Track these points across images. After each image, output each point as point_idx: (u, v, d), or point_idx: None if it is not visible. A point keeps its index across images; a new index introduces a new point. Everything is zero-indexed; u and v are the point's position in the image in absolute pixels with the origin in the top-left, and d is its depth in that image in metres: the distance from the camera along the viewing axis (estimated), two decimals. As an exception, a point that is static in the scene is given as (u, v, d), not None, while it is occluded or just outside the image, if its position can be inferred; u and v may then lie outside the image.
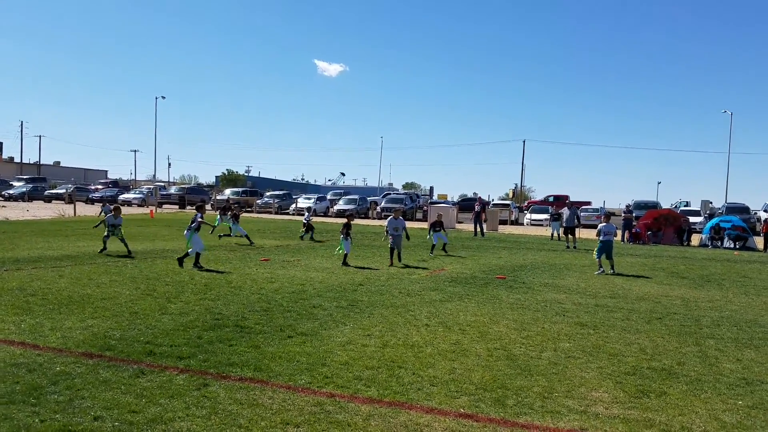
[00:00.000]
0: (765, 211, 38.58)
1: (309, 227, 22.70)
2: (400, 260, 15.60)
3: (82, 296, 9.52)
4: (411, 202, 45.06)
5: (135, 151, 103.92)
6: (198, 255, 13.42)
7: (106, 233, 16.00)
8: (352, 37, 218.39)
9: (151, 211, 23.36)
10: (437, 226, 18.82)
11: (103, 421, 4.56)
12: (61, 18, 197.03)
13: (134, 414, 4.74)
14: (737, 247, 27.03)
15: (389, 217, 16.31)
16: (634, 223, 29.13)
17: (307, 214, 24.02)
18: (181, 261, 13.55)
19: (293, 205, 45.34)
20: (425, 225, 29.12)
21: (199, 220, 13.88)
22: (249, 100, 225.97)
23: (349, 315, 8.79)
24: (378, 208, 42.94)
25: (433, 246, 18.56)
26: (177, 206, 47.09)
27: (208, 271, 12.95)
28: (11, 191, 52.49)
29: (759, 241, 28.57)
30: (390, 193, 54.84)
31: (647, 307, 10.44)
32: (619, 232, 28.67)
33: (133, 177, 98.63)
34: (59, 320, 7.83)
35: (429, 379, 5.86)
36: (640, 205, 42.46)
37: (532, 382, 5.89)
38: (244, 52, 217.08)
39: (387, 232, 15.96)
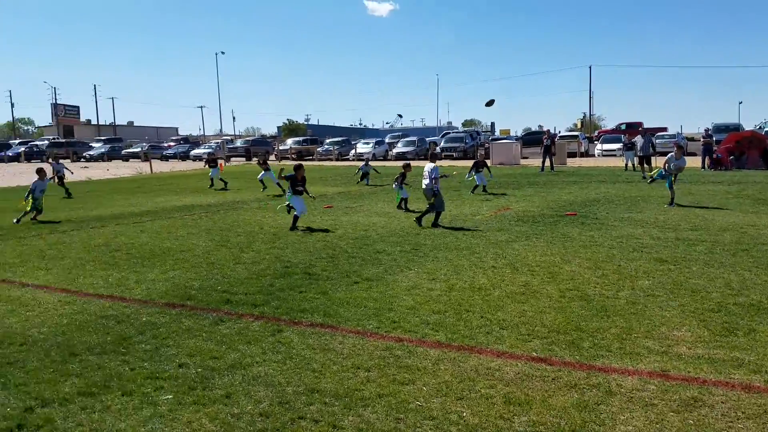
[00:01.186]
0: None
1: (364, 174, 22.70)
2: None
3: (162, 249, 9.96)
4: (471, 140, 44.07)
5: (201, 107, 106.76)
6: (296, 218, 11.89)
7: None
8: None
9: (221, 164, 23.74)
10: (480, 166, 18.36)
11: (187, 368, 4.78)
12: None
13: (215, 360, 4.95)
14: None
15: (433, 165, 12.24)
16: (714, 148, 27.44)
17: (363, 163, 23.84)
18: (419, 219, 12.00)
19: (352, 151, 45.38)
20: (489, 163, 28.42)
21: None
22: (302, 48, 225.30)
23: (413, 259, 8.76)
24: (437, 148, 42.38)
25: (475, 186, 18.15)
26: (243, 158, 48.16)
27: (276, 222, 13.21)
28: (91, 152, 55.11)
29: None
30: (449, 133, 53.77)
31: (732, 239, 9.85)
32: (699, 158, 27.17)
33: (201, 132, 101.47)
34: (143, 273, 8.24)
35: (498, 323, 5.78)
36: (720, 128, 39.90)
37: (608, 323, 5.70)
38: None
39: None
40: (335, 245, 9.97)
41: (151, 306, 6.65)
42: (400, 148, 43.84)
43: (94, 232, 12.00)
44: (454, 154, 40.49)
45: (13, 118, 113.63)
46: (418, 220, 11.93)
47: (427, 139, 49.87)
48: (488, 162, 26.38)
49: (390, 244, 9.93)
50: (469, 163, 22.72)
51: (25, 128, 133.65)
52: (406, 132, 71.00)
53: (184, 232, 11.89)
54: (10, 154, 55.15)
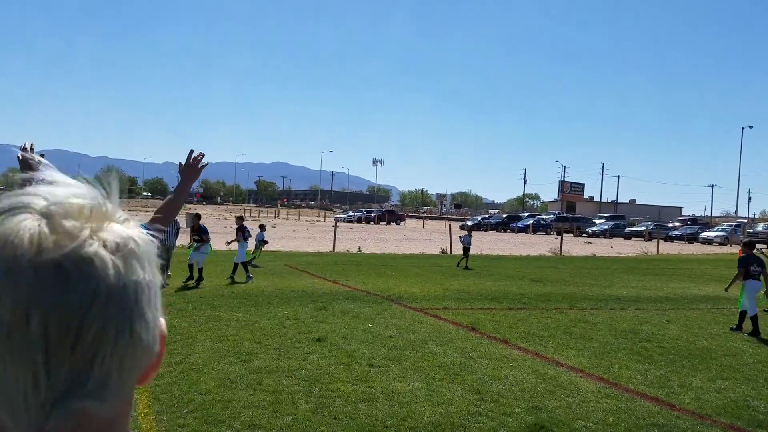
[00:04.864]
0: None
1: None
2: None
3: (698, 349, 8.51)
4: None
5: (712, 186, 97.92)
6: None
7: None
8: None
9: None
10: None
11: None
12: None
13: None
14: None
15: None
16: None
17: None
18: None
19: None
20: None
21: None
22: None
23: None
24: None
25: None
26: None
27: None
28: (594, 228, 57.02)
29: None
30: None
31: None
32: None
33: (707, 213, 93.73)
34: (685, 375, 7.01)
35: None
36: None
37: None
38: None
39: None
40: None
41: (709, 424, 5.35)
42: None
43: (615, 314, 11.40)
44: None
45: (524, 193, 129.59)
46: None
47: None
48: None
49: None
50: None
51: (532, 202, 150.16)
52: None
53: (717, 329, 10.11)
54: (520, 225, 62.06)
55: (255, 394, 5.55)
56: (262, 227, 17.98)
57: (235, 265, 13.60)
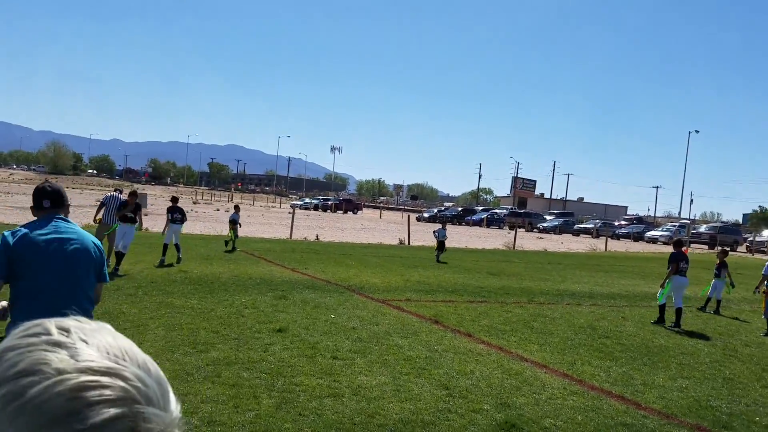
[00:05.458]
0: None
1: None
2: None
3: (658, 347, 8.62)
4: None
5: (657, 187, 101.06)
6: None
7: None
8: None
9: (686, 249, 21.03)
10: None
11: None
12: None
13: None
14: None
15: None
16: None
17: None
18: None
19: None
20: None
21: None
22: None
23: None
24: None
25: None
26: (706, 246, 43.03)
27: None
28: (545, 224, 58.10)
29: None
30: None
31: None
32: None
33: (650, 213, 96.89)
34: (647, 373, 7.05)
35: None
36: None
37: None
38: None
39: None
40: None
41: (676, 424, 5.36)
42: None
43: (572, 310, 11.49)
44: None
45: (478, 188, 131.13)
46: None
47: None
48: None
49: None
50: None
51: (485, 197, 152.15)
52: None
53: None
54: (475, 219, 62.70)
55: (213, 387, 5.24)
56: (236, 208, 17.51)
57: (177, 247, 13.28)
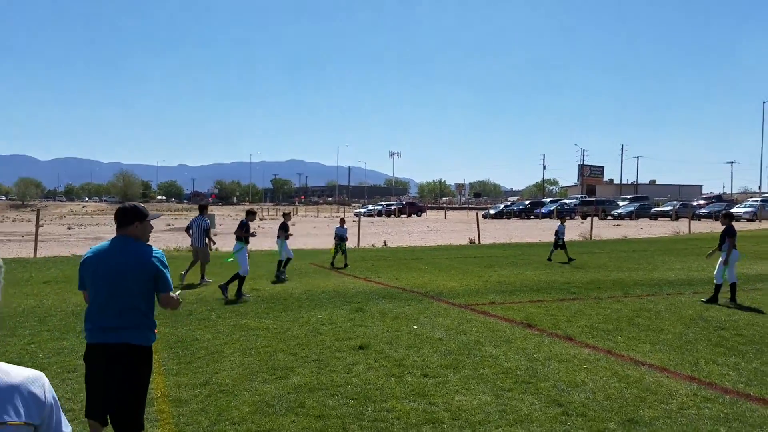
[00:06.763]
0: None
1: None
2: None
3: (788, 336, 7.52)
4: None
5: (731, 162, 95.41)
6: None
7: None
8: None
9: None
10: None
11: None
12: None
13: None
14: None
15: None
16: None
17: None
18: None
19: None
20: None
21: None
22: None
23: None
24: None
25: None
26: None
27: None
28: (619, 210, 55.56)
29: None
30: None
31: None
32: None
33: (725, 190, 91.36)
34: (787, 371, 6.05)
35: None
36: None
37: None
38: None
39: None
40: None
41: None
42: None
43: (674, 300, 10.42)
44: None
45: (543, 179, 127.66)
46: None
47: None
48: None
49: None
50: None
51: (551, 188, 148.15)
52: None
53: (796, 312, 9.11)
54: (544, 211, 60.70)
55: (298, 420, 4.70)
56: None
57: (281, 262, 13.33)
